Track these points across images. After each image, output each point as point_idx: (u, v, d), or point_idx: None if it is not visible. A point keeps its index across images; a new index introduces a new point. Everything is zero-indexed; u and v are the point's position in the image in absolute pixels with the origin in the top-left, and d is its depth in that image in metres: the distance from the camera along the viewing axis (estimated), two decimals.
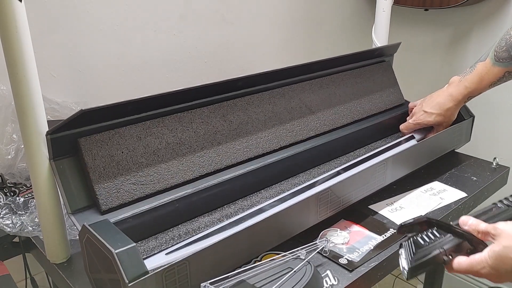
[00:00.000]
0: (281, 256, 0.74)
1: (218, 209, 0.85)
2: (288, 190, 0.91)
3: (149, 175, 0.77)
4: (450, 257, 0.61)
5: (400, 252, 0.62)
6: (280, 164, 0.94)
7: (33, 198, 0.84)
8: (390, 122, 1.18)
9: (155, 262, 0.70)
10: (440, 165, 1.09)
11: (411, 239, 0.62)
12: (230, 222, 0.81)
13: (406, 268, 0.60)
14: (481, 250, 0.61)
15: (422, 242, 0.61)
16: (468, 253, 0.62)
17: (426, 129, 1.11)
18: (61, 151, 0.71)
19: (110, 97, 1.15)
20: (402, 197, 0.96)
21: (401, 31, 1.70)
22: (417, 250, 0.60)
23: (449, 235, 0.62)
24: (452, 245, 0.61)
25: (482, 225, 0.60)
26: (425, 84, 1.72)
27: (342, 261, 0.77)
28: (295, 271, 0.71)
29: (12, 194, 0.92)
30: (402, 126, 1.13)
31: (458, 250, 0.62)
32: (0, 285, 0.82)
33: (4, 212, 0.85)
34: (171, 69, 1.26)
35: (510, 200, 0.67)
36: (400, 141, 1.07)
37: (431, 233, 0.62)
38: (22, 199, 0.88)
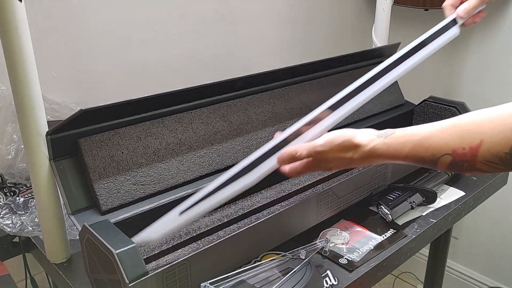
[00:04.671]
0: (281, 256, 0.74)
1: (219, 209, 0.85)
2: (288, 191, 0.91)
3: (149, 175, 0.77)
4: (414, 202, 0.91)
5: (380, 207, 0.89)
6: None
7: (33, 198, 0.84)
8: (390, 122, 1.18)
9: (169, 223, 0.64)
10: None
11: (382, 199, 0.90)
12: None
13: (389, 212, 0.87)
14: (433, 199, 0.93)
15: (391, 198, 0.90)
16: (424, 201, 0.93)
17: None
18: (61, 151, 0.71)
19: (110, 97, 1.14)
20: None
21: (401, 31, 1.70)
22: (391, 202, 0.89)
23: (408, 192, 0.92)
24: (411, 195, 0.91)
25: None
26: (425, 84, 1.72)
27: (342, 261, 0.77)
28: (295, 271, 0.71)
29: (12, 194, 0.91)
30: None
31: (417, 199, 0.92)
32: (0, 285, 0.82)
33: (4, 212, 0.85)
34: (171, 69, 1.26)
35: None
36: None
37: (393, 193, 0.91)
38: (22, 199, 0.88)
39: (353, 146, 0.60)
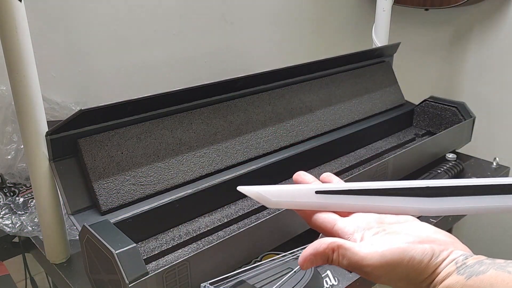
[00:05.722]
0: (281, 256, 0.74)
1: (219, 209, 0.85)
2: None
3: (149, 175, 0.77)
4: None
5: None
6: (280, 165, 0.93)
7: (33, 198, 0.84)
8: (390, 122, 1.18)
9: (298, 193, 0.47)
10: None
11: None
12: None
13: None
14: None
15: None
16: None
17: None
18: (61, 151, 0.71)
19: (110, 97, 1.13)
20: None
21: (401, 31, 1.70)
22: None
23: None
24: None
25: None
26: (425, 84, 1.72)
27: None
28: (295, 271, 0.70)
29: (12, 194, 0.91)
30: None
31: None
32: (0, 285, 0.82)
33: (4, 212, 0.85)
34: (171, 69, 1.25)
35: None
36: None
37: None
38: (22, 199, 0.88)
39: (421, 279, 0.37)
